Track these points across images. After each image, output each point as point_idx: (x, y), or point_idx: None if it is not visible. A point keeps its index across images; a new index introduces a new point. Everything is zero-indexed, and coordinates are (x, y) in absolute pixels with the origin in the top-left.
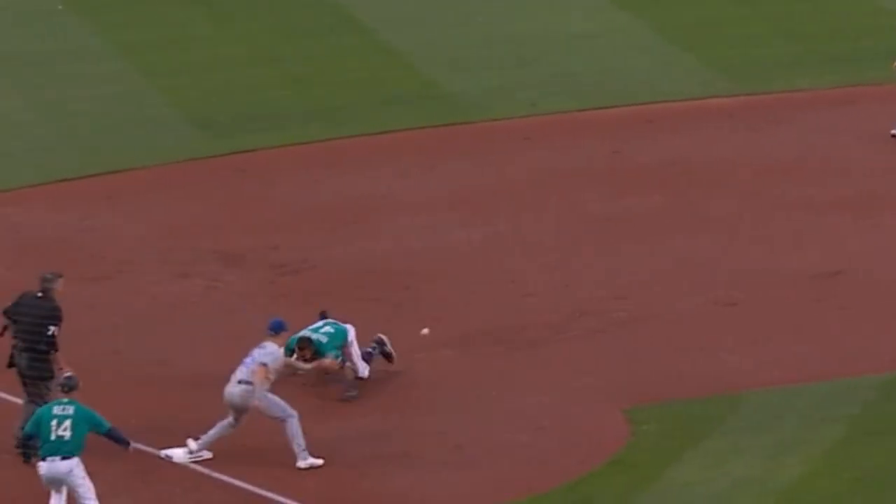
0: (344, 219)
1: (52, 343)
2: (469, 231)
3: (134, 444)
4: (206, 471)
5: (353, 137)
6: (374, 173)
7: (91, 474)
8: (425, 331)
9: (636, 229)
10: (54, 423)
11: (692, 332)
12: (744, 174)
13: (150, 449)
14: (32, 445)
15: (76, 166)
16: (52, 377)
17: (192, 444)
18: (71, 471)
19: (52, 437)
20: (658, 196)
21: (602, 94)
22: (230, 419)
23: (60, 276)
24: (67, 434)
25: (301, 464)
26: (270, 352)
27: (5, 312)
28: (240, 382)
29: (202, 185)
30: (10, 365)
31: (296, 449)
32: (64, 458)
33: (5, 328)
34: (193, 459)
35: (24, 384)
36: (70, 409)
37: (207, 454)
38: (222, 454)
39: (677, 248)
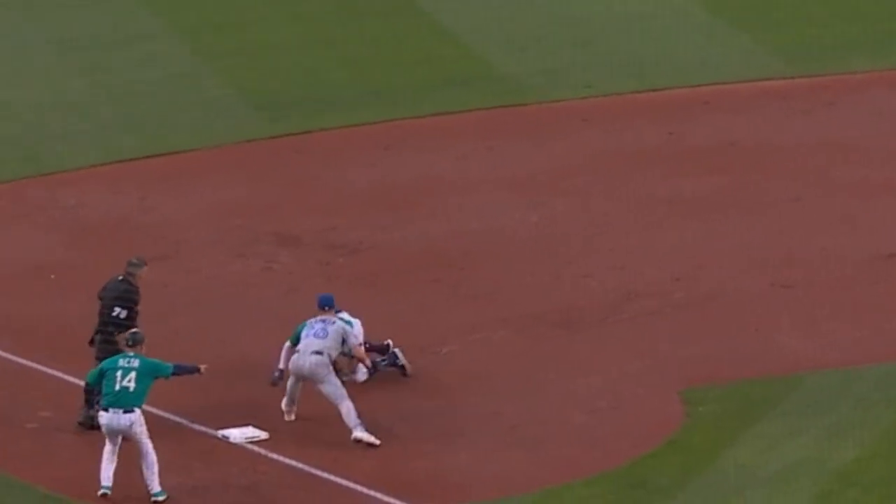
0: (401, 200)
1: (118, 325)
2: (525, 212)
3: (193, 424)
4: (262, 451)
5: (409, 119)
6: (431, 155)
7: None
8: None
9: (692, 211)
10: (119, 374)
11: (748, 314)
12: (800, 156)
13: (207, 429)
14: (94, 393)
15: (136, 147)
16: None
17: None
18: (132, 424)
19: (116, 387)
20: (714, 178)
21: (658, 76)
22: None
23: (145, 263)
24: (132, 386)
25: (357, 433)
26: (357, 331)
27: (98, 296)
28: (315, 353)
29: (259, 167)
30: (91, 342)
31: (351, 424)
32: (126, 412)
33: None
34: (250, 440)
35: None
36: (135, 363)
37: (263, 434)
38: (278, 434)
39: (734, 229)
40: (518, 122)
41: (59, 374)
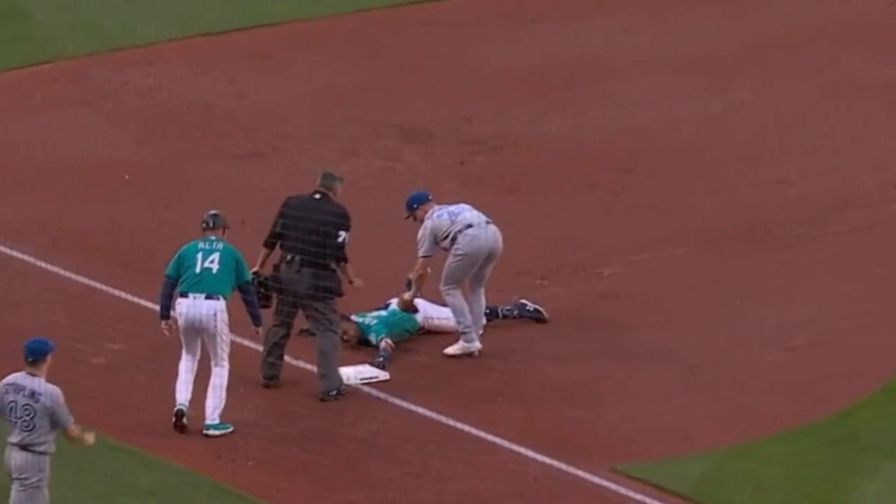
0: (552, 85)
1: (342, 252)
2: (707, 100)
3: (296, 361)
4: (381, 395)
5: None
6: (591, 28)
7: (245, 398)
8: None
9: None
10: (200, 255)
11: None
12: None
13: (311, 366)
14: (174, 285)
15: (223, 18)
16: (340, 295)
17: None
18: (215, 314)
19: (197, 269)
20: None
21: None
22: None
23: (341, 178)
24: (215, 267)
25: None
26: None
27: (289, 218)
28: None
29: (377, 43)
30: (266, 296)
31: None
32: (209, 297)
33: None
34: (366, 381)
35: (291, 312)
36: (219, 245)
37: (383, 374)
38: (402, 375)
39: None
40: None
41: (133, 298)
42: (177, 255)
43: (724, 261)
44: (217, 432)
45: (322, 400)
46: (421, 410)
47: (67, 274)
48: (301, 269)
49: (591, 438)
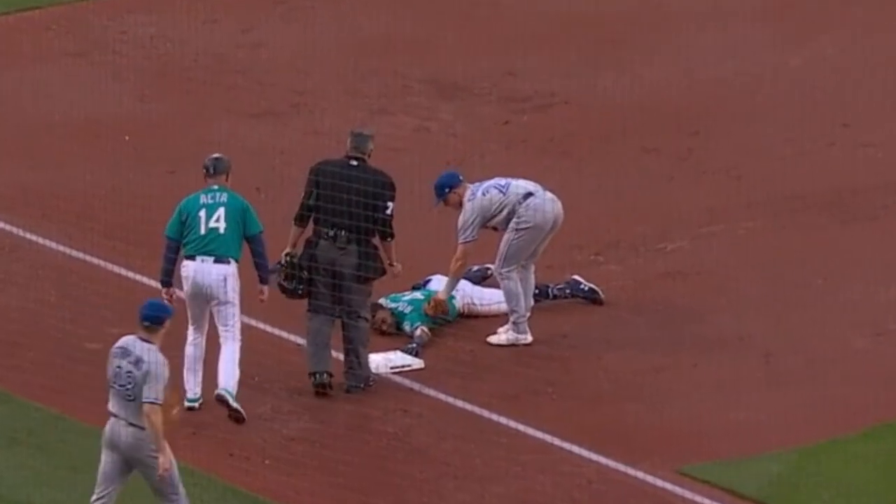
0: (608, 35)
1: (390, 227)
2: (784, 53)
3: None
4: (415, 385)
5: None
6: None
7: (259, 388)
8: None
9: None
10: (203, 213)
11: None
12: None
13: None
14: (177, 249)
15: None
16: (381, 275)
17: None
18: (225, 280)
19: (202, 230)
20: None
21: None
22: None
23: (373, 135)
24: (222, 226)
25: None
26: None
27: (323, 187)
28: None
29: None
30: (303, 279)
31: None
32: (219, 261)
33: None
34: (397, 370)
35: (332, 296)
36: (223, 197)
37: (417, 362)
38: (439, 362)
39: None
40: None
41: (135, 276)
42: (176, 212)
43: (803, 234)
44: (233, 401)
45: (348, 391)
46: (460, 403)
47: (60, 248)
48: (347, 245)
49: (652, 436)
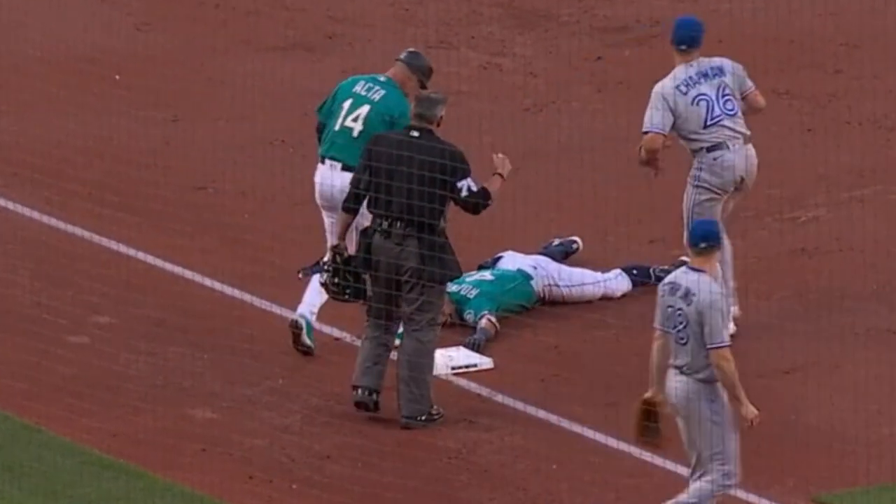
0: None
1: (474, 206)
2: None
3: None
4: (482, 389)
5: None
6: None
7: (286, 394)
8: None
9: None
10: (348, 104)
11: None
12: None
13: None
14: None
15: None
16: (453, 278)
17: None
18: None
19: (337, 125)
20: None
21: None
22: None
23: (445, 98)
24: (357, 128)
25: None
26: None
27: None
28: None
29: None
30: (350, 270)
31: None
32: (347, 169)
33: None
34: (459, 370)
35: (390, 297)
36: (378, 93)
37: (486, 361)
38: (510, 359)
39: None
40: None
41: (127, 250)
42: (333, 93)
43: None
44: (306, 335)
45: (405, 427)
46: (541, 413)
47: (34, 215)
48: (405, 240)
49: (782, 455)
